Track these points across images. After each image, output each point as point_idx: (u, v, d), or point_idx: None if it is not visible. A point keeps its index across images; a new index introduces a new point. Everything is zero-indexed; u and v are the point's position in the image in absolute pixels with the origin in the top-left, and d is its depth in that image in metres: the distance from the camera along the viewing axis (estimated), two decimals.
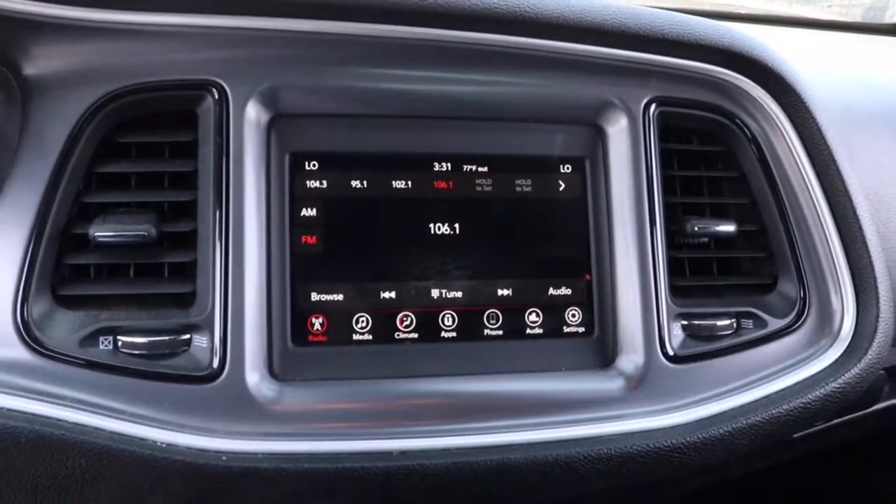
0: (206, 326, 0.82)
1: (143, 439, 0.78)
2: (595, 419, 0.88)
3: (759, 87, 0.97)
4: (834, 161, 0.96)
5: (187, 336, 0.82)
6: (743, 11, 1.74)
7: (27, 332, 0.79)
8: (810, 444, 1.32)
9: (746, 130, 0.99)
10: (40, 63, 0.83)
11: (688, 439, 0.89)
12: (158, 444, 0.78)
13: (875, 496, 1.89)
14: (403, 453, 0.83)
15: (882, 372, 1.18)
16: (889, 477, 1.88)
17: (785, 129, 0.97)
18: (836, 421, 1.21)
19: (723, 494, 1.91)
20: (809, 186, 0.97)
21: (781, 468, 1.78)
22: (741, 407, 0.92)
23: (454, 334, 0.89)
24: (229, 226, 0.83)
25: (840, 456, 1.82)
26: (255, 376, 0.82)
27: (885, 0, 1.90)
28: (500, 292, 0.90)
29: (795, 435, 1.16)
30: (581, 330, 0.92)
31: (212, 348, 0.81)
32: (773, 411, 0.92)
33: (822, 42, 1.59)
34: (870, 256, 0.96)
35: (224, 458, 0.79)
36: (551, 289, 0.92)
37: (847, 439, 1.58)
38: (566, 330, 0.92)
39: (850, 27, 1.74)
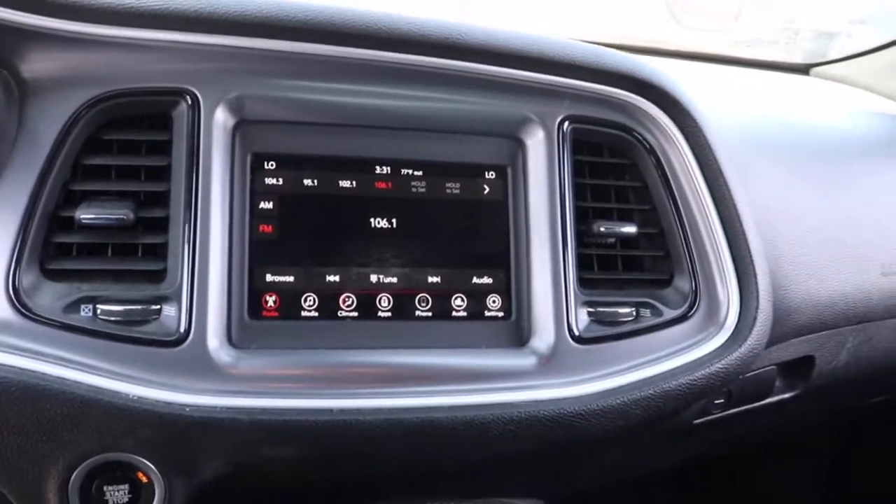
0: (174, 298, 0.89)
1: (117, 392, 0.86)
2: (510, 388, 0.97)
3: (657, 108, 1.07)
4: (722, 173, 1.07)
5: (158, 306, 0.89)
6: (672, 48, 1.89)
7: (17, 299, 0.86)
8: (714, 434, 1.43)
9: (647, 145, 1.08)
10: (36, 68, 0.90)
11: (588, 407, 0.98)
12: (131, 396, 0.86)
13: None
14: (342, 410, 0.91)
15: (773, 367, 1.31)
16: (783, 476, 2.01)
17: (680, 145, 1.07)
18: (733, 411, 1.33)
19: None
20: (701, 195, 1.07)
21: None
22: (636, 382, 1.01)
23: (389, 314, 0.97)
24: (197, 214, 0.91)
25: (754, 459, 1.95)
26: (215, 343, 0.89)
27: (824, 45, 2.09)
28: (430, 279, 0.99)
29: (696, 421, 1.28)
30: (500, 314, 1.01)
31: (179, 318, 0.89)
32: (664, 386, 1.01)
33: (736, 78, 1.73)
34: (751, 256, 1.06)
35: (187, 409, 0.87)
36: (475, 278, 1.00)
37: (753, 438, 1.70)
38: (487, 314, 1.00)
39: (768, 65, 1.90)
